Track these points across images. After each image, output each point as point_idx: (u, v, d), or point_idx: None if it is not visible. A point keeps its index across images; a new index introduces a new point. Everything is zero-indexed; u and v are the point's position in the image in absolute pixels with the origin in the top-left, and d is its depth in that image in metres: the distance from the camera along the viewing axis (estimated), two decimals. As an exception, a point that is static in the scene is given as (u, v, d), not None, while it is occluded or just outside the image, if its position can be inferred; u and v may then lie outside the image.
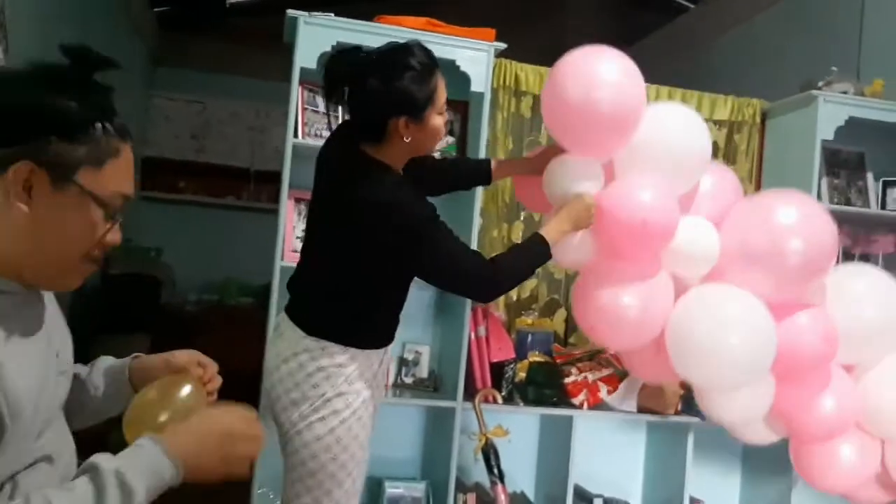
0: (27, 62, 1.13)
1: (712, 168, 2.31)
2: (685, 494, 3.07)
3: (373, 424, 2.19)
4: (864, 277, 2.30)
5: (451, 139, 3.10)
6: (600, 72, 2.14)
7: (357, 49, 2.09)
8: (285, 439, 2.09)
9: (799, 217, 2.10)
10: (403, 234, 1.97)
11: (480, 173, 2.40)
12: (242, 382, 2.83)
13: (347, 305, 2.09)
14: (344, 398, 2.05)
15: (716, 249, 2.17)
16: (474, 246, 2.95)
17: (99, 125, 1.14)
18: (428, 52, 2.05)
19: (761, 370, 2.09)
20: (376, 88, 1.98)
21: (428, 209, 2.00)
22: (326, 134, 2.98)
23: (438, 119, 2.04)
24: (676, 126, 2.22)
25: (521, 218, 3.34)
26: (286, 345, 2.10)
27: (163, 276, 5.37)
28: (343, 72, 2.04)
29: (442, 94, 2.04)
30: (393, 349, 2.37)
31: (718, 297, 2.15)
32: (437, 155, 2.40)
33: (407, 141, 2.01)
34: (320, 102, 3.04)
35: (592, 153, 2.21)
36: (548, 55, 3.50)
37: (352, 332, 2.09)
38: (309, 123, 2.99)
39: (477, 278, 2.04)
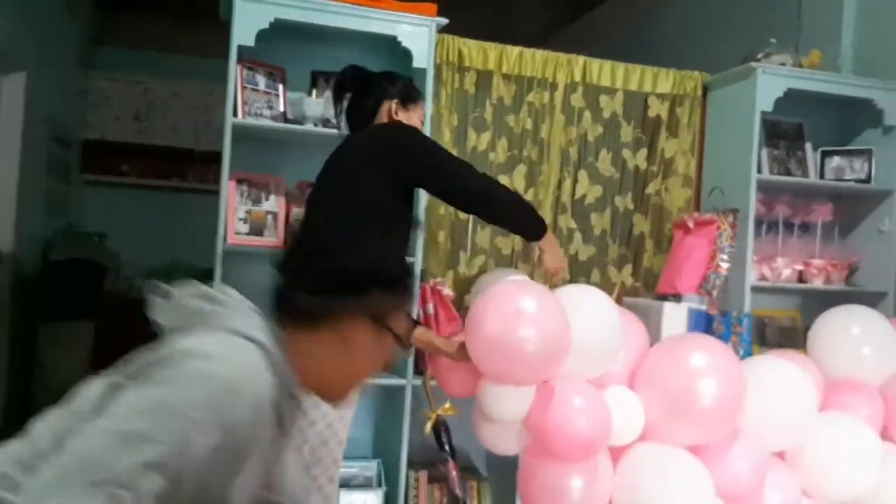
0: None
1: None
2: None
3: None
4: (775, 370, 2.40)
5: (394, 116, 3.09)
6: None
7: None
8: None
9: (711, 362, 2.21)
10: (409, 138, 2.27)
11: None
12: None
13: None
14: None
15: (641, 417, 2.26)
16: (423, 225, 3.00)
17: (407, 276, 1.50)
18: None
19: None
20: (379, 81, 2.43)
21: None
22: (266, 112, 2.96)
23: (419, 122, 2.44)
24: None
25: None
26: None
27: (107, 262, 5.24)
28: (355, 75, 2.47)
29: (423, 109, 2.54)
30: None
31: (654, 462, 2.24)
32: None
33: (395, 121, 2.36)
34: (260, 80, 2.99)
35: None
36: (493, 30, 3.51)
37: None
38: (248, 102, 2.93)
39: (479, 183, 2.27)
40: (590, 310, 2.24)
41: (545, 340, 2.12)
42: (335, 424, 2.25)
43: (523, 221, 2.33)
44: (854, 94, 3.41)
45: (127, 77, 5.95)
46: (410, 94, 2.45)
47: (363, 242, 2.08)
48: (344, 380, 1.40)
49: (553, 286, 2.29)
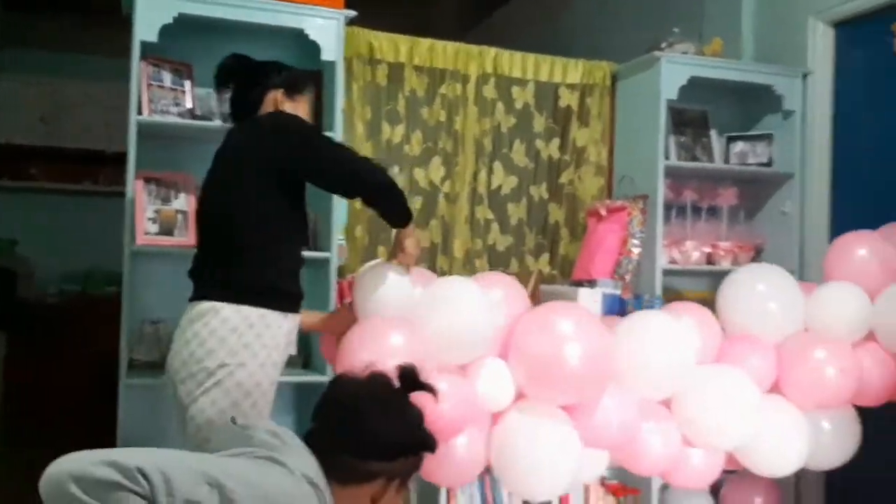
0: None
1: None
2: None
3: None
4: (653, 325, 2.48)
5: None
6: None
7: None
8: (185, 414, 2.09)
9: (576, 328, 2.26)
10: (301, 133, 2.15)
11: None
12: (111, 370, 2.76)
13: (244, 259, 2.11)
14: (240, 362, 2.05)
15: (511, 386, 2.31)
16: (342, 217, 3.01)
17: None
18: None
19: (572, 481, 2.37)
20: (265, 70, 2.32)
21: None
22: (173, 110, 2.90)
23: (306, 113, 2.32)
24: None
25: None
26: (184, 319, 2.13)
27: (18, 269, 5.08)
28: (237, 64, 2.34)
29: (312, 99, 2.39)
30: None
31: (525, 425, 2.30)
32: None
33: (280, 112, 2.25)
34: (166, 77, 2.93)
35: None
36: (410, 26, 3.52)
37: (244, 289, 2.09)
38: (154, 100, 2.87)
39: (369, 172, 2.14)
40: (464, 301, 2.25)
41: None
42: None
43: (400, 209, 2.21)
44: (755, 80, 3.53)
45: (35, 79, 5.76)
46: (297, 85, 2.34)
47: (260, 264, 2.11)
48: None
49: (407, 269, 2.27)
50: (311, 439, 1.63)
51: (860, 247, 2.85)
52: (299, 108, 2.32)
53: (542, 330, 2.27)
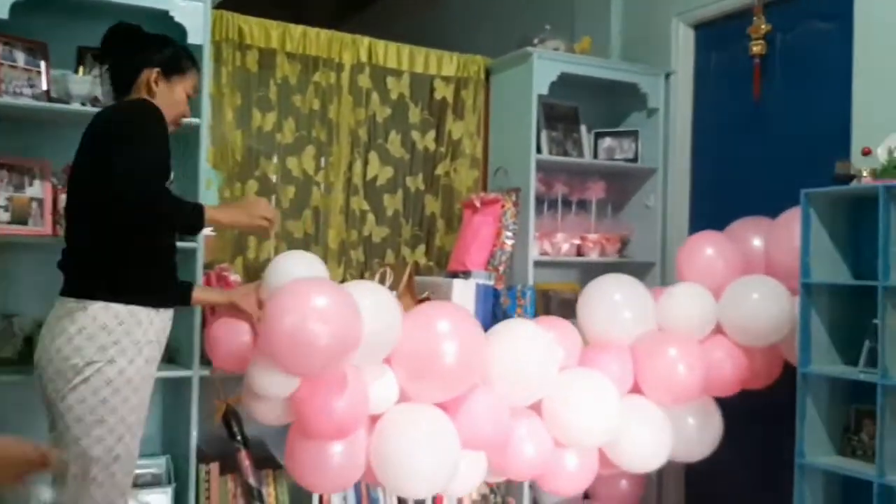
0: None
1: None
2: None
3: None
4: (520, 333, 2.66)
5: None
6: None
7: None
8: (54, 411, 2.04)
9: (450, 325, 2.41)
10: (120, 124, 2.07)
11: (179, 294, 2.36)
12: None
13: (112, 255, 2.06)
14: (109, 359, 2.02)
15: (395, 388, 2.44)
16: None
17: None
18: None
19: (450, 477, 2.44)
20: (146, 44, 2.24)
21: (160, 124, 2.08)
22: (27, 91, 2.73)
23: (183, 94, 2.25)
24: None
25: (255, 175, 3.26)
26: (52, 315, 2.07)
27: None
28: (120, 35, 2.24)
29: (194, 80, 2.28)
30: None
31: (402, 422, 2.44)
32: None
33: (154, 92, 2.18)
34: (19, 56, 2.76)
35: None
36: (280, 14, 3.44)
37: (113, 286, 2.05)
38: (6, 80, 2.70)
39: (145, 193, 1.99)
40: (372, 305, 2.33)
41: (337, 335, 2.18)
42: None
43: (185, 222, 2.17)
44: (621, 78, 3.66)
45: None
46: (177, 65, 2.24)
47: (128, 259, 2.02)
48: None
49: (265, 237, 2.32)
50: None
51: (708, 247, 3.06)
52: (175, 89, 2.23)
53: (420, 328, 2.39)
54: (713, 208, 3.56)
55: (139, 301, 2.07)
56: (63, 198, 2.77)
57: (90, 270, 2.07)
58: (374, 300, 2.36)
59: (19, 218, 2.73)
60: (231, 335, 2.45)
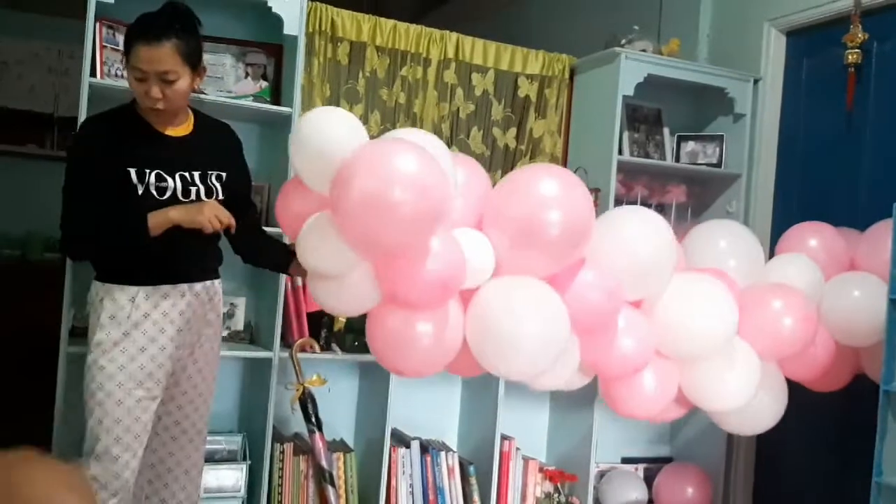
0: None
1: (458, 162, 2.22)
2: (497, 433, 3.22)
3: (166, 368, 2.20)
4: (635, 218, 2.43)
5: (264, 83, 3.02)
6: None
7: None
8: None
9: (558, 190, 2.13)
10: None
11: (282, 260, 2.40)
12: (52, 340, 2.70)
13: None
14: (100, 331, 2.15)
15: (491, 258, 2.15)
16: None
17: None
18: (150, 18, 2.11)
19: (558, 356, 2.15)
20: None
21: (80, 144, 2.20)
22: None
23: (132, 80, 2.12)
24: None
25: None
26: None
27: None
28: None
29: (135, 60, 2.08)
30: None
31: (507, 293, 2.14)
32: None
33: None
34: (121, 40, 2.85)
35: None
36: (363, 4, 3.49)
37: (101, 266, 2.22)
38: (108, 63, 2.81)
39: (63, 228, 2.16)
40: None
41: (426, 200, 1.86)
42: None
43: (119, 241, 2.15)
44: (708, 82, 3.61)
45: (-24, 35, 5.55)
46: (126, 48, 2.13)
47: None
48: None
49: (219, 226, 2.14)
50: None
51: (811, 237, 2.95)
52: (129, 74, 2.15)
53: (519, 191, 2.14)
54: (797, 217, 3.46)
55: (116, 278, 2.19)
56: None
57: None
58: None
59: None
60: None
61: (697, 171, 3.69)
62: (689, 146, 3.69)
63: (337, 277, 2.06)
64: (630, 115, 3.63)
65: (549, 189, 2.12)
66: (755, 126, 3.65)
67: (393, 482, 3.14)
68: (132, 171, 2.12)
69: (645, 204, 3.62)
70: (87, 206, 2.13)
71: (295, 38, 2.88)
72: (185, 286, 2.22)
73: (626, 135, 3.59)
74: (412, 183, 1.82)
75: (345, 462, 3.11)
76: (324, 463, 2.94)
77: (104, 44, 2.80)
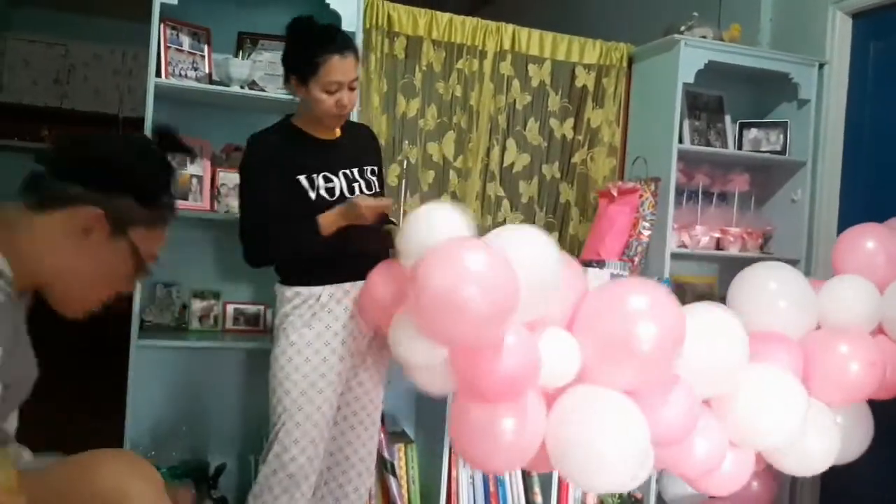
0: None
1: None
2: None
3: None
4: (706, 315, 2.31)
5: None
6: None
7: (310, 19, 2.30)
8: None
9: (650, 303, 2.07)
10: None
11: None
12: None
13: None
14: (283, 333, 2.34)
15: (577, 359, 2.11)
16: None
17: (165, 198, 1.42)
18: (328, 32, 2.26)
19: (637, 474, 2.10)
20: (286, 50, 2.32)
21: (252, 159, 2.29)
22: (191, 74, 2.91)
23: (321, 94, 2.23)
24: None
25: (398, 160, 3.35)
26: None
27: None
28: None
29: (329, 73, 2.20)
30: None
31: (590, 403, 2.11)
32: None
33: (300, 98, 2.30)
34: (185, 41, 2.93)
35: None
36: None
37: (284, 270, 2.38)
38: (172, 63, 2.87)
39: (243, 239, 2.31)
40: (527, 251, 2.03)
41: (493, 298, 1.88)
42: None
43: (298, 248, 2.30)
44: (771, 67, 3.52)
45: (46, 39, 5.75)
46: (298, 69, 2.29)
47: None
48: (75, 281, 1.35)
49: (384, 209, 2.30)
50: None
51: (868, 239, 2.85)
52: (311, 90, 2.26)
53: (613, 304, 2.11)
54: (865, 206, 3.38)
55: (298, 281, 2.36)
56: (221, 175, 2.96)
57: None
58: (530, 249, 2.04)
59: (181, 194, 2.90)
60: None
61: (761, 158, 3.60)
62: (752, 133, 3.62)
63: (428, 367, 2.16)
64: (690, 102, 3.57)
65: (641, 303, 2.07)
66: (820, 112, 3.55)
67: (454, 473, 3.15)
68: (302, 178, 2.28)
69: (706, 193, 3.57)
70: (264, 217, 2.27)
71: (353, 33, 2.91)
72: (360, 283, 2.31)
73: (686, 123, 3.53)
74: (481, 281, 1.86)
75: (406, 453, 3.13)
76: (385, 454, 2.97)
77: (168, 44, 2.87)
